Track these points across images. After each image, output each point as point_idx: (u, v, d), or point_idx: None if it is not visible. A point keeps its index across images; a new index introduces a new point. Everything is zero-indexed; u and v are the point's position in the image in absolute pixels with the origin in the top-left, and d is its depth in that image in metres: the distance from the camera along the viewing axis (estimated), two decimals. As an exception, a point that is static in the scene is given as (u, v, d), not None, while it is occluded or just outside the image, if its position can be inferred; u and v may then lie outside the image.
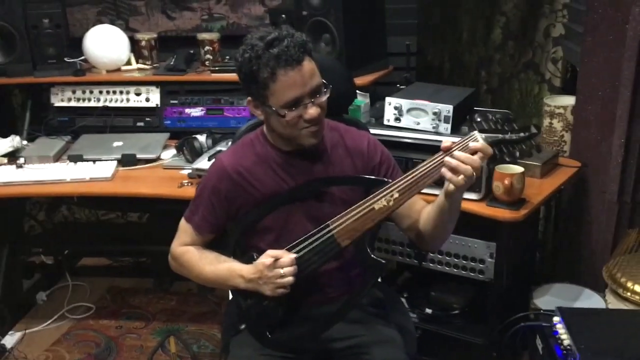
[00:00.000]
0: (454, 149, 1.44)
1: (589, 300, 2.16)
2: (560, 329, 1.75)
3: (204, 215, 1.67)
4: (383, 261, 1.54)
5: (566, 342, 1.71)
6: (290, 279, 1.52)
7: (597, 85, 2.22)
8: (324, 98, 1.54)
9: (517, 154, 1.47)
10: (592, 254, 2.30)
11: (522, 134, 1.47)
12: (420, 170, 1.47)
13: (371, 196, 1.51)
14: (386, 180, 1.54)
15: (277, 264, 1.52)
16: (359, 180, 1.63)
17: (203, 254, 1.69)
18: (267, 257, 1.54)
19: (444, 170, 1.43)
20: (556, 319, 1.79)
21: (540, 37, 2.68)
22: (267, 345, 1.62)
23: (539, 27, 2.67)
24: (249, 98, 1.57)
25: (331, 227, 1.54)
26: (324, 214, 1.57)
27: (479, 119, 1.51)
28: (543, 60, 2.69)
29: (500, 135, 1.46)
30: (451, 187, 1.44)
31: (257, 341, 1.63)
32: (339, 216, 1.53)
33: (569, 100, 2.43)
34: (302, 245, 1.56)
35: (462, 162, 1.41)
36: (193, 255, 1.69)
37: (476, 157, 1.42)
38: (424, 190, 1.52)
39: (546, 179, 2.21)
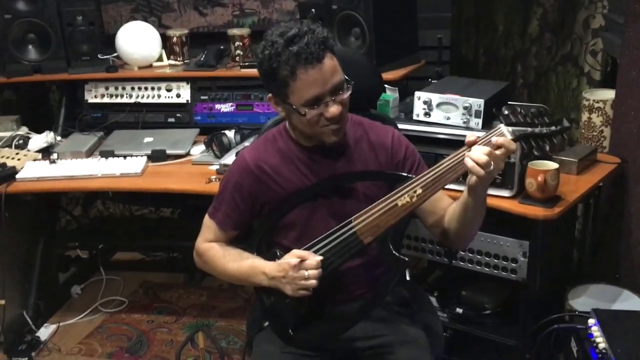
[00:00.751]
0: (478, 143, 1.39)
1: (628, 301, 2.07)
2: (596, 331, 1.68)
3: (226, 212, 1.66)
4: (406, 259, 1.50)
5: (602, 345, 1.64)
6: (313, 282, 1.50)
7: (638, 78, 2.12)
8: (346, 95, 1.50)
9: (547, 147, 1.41)
10: (632, 253, 2.21)
11: (552, 128, 1.41)
12: (444, 165, 1.43)
13: (394, 192, 1.47)
14: (409, 175, 1.50)
15: (303, 266, 1.50)
16: (382, 176, 1.60)
17: (227, 251, 1.68)
18: (293, 257, 1.52)
19: (466, 159, 1.38)
20: (591, 321, 1.72)
21: (579, 29, 2.58)
22: (290, 343, 1.61)
23: (577, 19, 2.58)
24: (270, 95, 1.54)
25: (353, 223, 1.51)
26: (347, 210, 1.54)
27: (506, 112, 1.45)
28: (582, 53, 2.59)
29: (529, 129, 1.40)
30: (473, 179, 1.40)
31: (279, 339, 1.62)
32: (361, 212, 1.50)
33: (609, 94, 2.33)
34: (324, 242, 1.54)
35: (485, 155, 1.36)
36: (217, 252, 1.68)
37: (499, 152, 1.37)
38: (450, 186, 1.47)
39: (583, 176, 2.13)
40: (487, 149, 1.37)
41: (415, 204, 1.45)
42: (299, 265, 1.50)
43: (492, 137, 1.39)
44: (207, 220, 1.71)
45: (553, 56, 2.75)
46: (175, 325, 2.82)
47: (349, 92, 1.51)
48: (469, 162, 1.37)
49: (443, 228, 1.59)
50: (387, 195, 1.48)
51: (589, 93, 2.42)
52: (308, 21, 1.51)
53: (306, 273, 1.49)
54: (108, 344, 2.70)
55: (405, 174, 1.54)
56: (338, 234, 1.53)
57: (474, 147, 1.39)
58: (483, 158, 1.35)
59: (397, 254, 1.49)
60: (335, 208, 1.59)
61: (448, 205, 1.59)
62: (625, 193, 2.23)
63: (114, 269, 3.22)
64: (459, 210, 1.52)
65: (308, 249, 1.55)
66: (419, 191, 1.44)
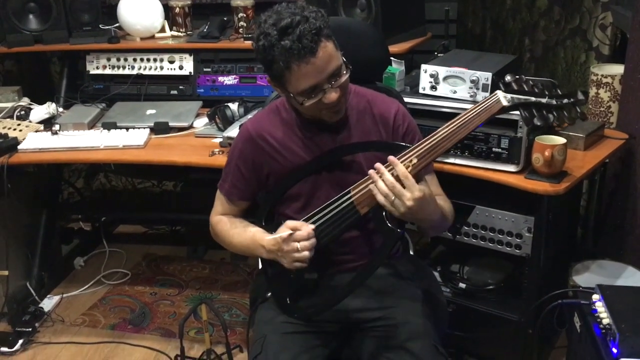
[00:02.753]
0: (473, 111, 1.41)
1: (632, 278, 2.06)
2: (600, 307, 1.68)
3: (233, 182, 1.68)
4: (398, 230, 1.49)
5: (605, 320, 1.63)
6: (306, 253, 1.49)
7: (649, 52, 2.09)
8: (344, 79, 1.48)
9: (552, 119, 1.38)
10: (637, 230, 2.20)
11: (564, 101, 1.37)
12: (439, 134, 1.42)
13: (388, 163, 1.45)
14: (407, 145, 1.49)
15: (294, 237, 1.49)
16: (380, 146, 1.59)
17: (234, 223, 1.70)
18: (286, 229, 1.51)
19: (371, 186, 1.43)
20: (595, 296, 1.71)
21: (589, 2, 2.53)
22: (290, 313, 1.62)
23: (587, -9, 2.53)
24: (269, 77, 1.52)
25: (351, 193, 1.51)
26: (349, 182, 1.53)
27: (507, 79, 1.41)
28: (591, 27, 2.54)
29: (532, 98, 1.38)
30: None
31: (279, 308, 1.63)
32: (358, 183, 1.50)
33: (618, 69, 2.30)
34: (323, 212, 1.54)
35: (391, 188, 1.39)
36: (225, 224, 1.71)
37: (389, 177, 1.40)
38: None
39: (590, 151, 2.10)
40: (390, 181, 1.39)
41: (410, 174, 1.44)
42: (290, 238, 1.49)
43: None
44: (217, 193, 1.74)
45: (561, 30, 2.70)
46: (178, 297, 2.83)
47: (348, 75, 1.48)
48: (375, 192, 1.42)
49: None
50: (384, 166, 1.46)
51: (597, 68, 2.38)
52: (304, 3, 1.47)
53: (297, 245, 1.48)
54: (111, 315, 2.72)
55: (403, 144, 1.52)
56: (336, 204, 1.53)
57: (382, 179, 1.41)
58: (390, 196, 1.39)
59: (390, 225, 1.48)
60: (337, 180, 1.59)
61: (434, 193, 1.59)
62: (632, 169, 2.22)
63: (117, 242, 3.23)
64: None
65: (308, 219, 1.55)
66: (415, 161, 1.43)
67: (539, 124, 1.41)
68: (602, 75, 2.31)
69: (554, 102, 1.38)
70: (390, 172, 1.41)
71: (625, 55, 2.24)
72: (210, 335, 2.31)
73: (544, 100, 1.39)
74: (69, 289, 2.89)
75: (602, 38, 2.49)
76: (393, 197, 1.39)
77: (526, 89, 1.40)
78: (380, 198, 1.41)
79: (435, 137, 1.42)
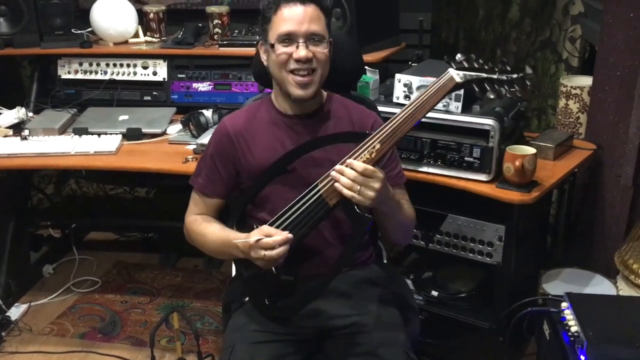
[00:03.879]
0: (429, 91, 1.46)
1: (600, 286, 2.10)
2: (568, 314, 1.70)
3: (207, 176, 1.69)
4: (369, 215, 1.50)
5: (574, 328, 1.66)
6: (274, 256, 1.48)
7: (616, 65, 2.14)
8: (319, 48, 1.55)
9: (504, 92, 1.45)
10: (605, 239, 2.24)
11: (514, 76, 1.44)
12: (398, 118, 1.47)
13: (354, 150, 1.49)
14: (368, 132, 1.52)
15: (261, 244, 1.49)
16: (344, 137, 1.60)
17: (209, 224, 1.70)
18: (256, 234, 1.51)
19: (336, 185, 1.46)
20: (564, 304, 1.74)
21: (559, 15, 2.59)
22: (265, 313, 1.61)
23: (557, 5, 2.58)
24: (260, 41, 1.62)
25: (320, 186, 1.52)
26: (320, 178, 1.54)
27: (458, 58, 1.48)
28: (561, 39, 2.60)
29: (482, 74, 1.44)
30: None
31: (256, 310, 1.63)
32: (325, 175, 1.51)
33: (586, 81, 2.35)
34: (293, 209, 1.55)
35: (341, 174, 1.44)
36: (200, 223, 1.71)
37: (350, 171, 1.44)
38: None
39: (559, 161, 2.14)
40: (352, 174, 1.44)
41: (374, 160, 1.48)
42: (257, 244, 1.49)
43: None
44: (192, 193, 1.74)
45: (532, 42, 2.75)
46: (149, 305, 2.79)
47: (325, 49, 1.56)
48: (340, 188, 1.45)
49: (378, 221, 1.64)
50: (348, 155, 1.49)
51: (567, 79, 2.43)
52: None
53: (264, 253, 1.49)
54: (80, 324, 2.67)
55: (364, 132, 1.55)
56: (305, 199, 1.54)
57: (344, 173, 1.45)
58: (348, 183, 1.43)
59: (359, 211, 1.49)
60: (309, 177, 1.59)
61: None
62: (600, 179, 2.26)
63: (88, 249, 3.17)
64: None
65: (278, 218, 1.56)
66: (377, 146, 1.47)
67: (492, 96, 1.48)
68: (571, 87, 2.36)
69: (504, 77, 1.45)
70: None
71: (593, 67, 2.29)
72: (182, 344, 2.29)
73: (494, 76, 1.45)
74: (37, 297, 2.83)
75: (571, 50, 2.54)
76: (358, 187, 1.43)
77: (476, 66, 1.46)
78: (347, 192, 1.45)
79: (395, 120, 1.48)
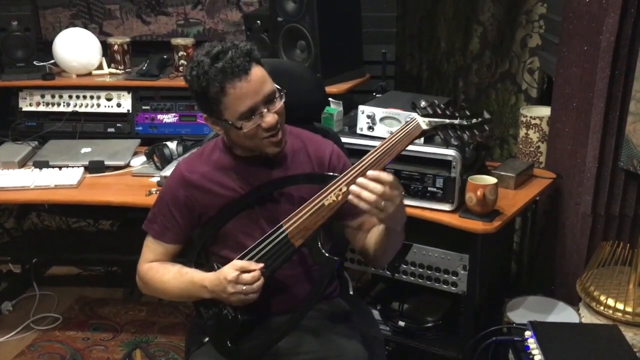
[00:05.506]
0: (395, 136, 1.45)
1: (563, 313, 2.13)
2: (532, 343, 1.72)
3: (163, 224, 1.64)
4: (336, 258, 1.49)
5: (537, 357, 1.67)
6: (254, 296, 1.47)
7: (572, 96, 2.20)
8: (280, 104, 1.51)
9: (466, 137, 1.47)
10: (566, 266, 2.28)
11: (473, 120, 1.47)
12: (366, 161, 1.45)
13: (320, 192, 1.48)
14: (334, 175, 1.51)
15: (240, 280, 1.47)
16: (308, 178, 1.59)
17: (166, 269, 1.64)
18: (232, 270, 1.48)
19: (350, 198, 1.41)
20: (528, 333, 1.76)
21: (517, 48, 2.66)
22: (227, 355, 1.57)
23: (515, 38, 2.66)
24: (205, 115, 1.54)
25: (284, 227, 1.51)
26: (283, 217, 1.53)
27: (423, 104, 1.50)
28: (520, 71, 2.67)
29: (446, 120, 1.46)
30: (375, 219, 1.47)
31: (217, 351, 1.58)
32: (290, 216, 1.50)
33: (545, 111, 2.41)
34: (257, 249, 1.53)
35: (365, 188, 1.38)
36: (156, 271, 1.65)
37: (376, 185, 1.38)
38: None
39: (521, 190, 2.18)
40: (364, 181, 1.39)
41: (340, 202, 1.46)
42: (236, 279, 1.47)
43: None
44: (146, 240, 1.68)
45: (493, 73, 2.82)
46: (112, 342, 2.72)
47: (283, 101, 1.52)
48: (354, 200, 1.40)
49: (363, 245, 1.62)
50: (314, 197, 1.48)
51: (526, 110, 2.49)
52: (232, 39, 1.52)
53: (243, 288, 1.46)
54: (40, 363, 2.59)
55: (331, 174, 1.54)
56: (270, 239, 1.52)
57: (352, 187, 1.41)
58: (364, 193, 1.38)
59: (326, 254, 1.48)
60: (271, 215, 1.58)
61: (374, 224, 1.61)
62: (560, 207, 2.30)
63: (49, 284, 3.09)
64: (378, 234, 1.56)
65: (242, 257, 1.54)
66: (344, 189, 1.45)
67: (455, 144, 1.51)
68: (531, 117, 2.41)
69: (465, 122, 1.48)
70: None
71: (551, 98, 2.35)
72: (145, 381, 2.24)
73: (456, 122, 1.48)
74: (-5, 336, 2.74)
75: (530, 81, 2.61)
76: (383, 202, 1.38)
77: (439, 112, 1.49)
78: (372, 210, 1.38)
79: (361, 164, 1.45)
